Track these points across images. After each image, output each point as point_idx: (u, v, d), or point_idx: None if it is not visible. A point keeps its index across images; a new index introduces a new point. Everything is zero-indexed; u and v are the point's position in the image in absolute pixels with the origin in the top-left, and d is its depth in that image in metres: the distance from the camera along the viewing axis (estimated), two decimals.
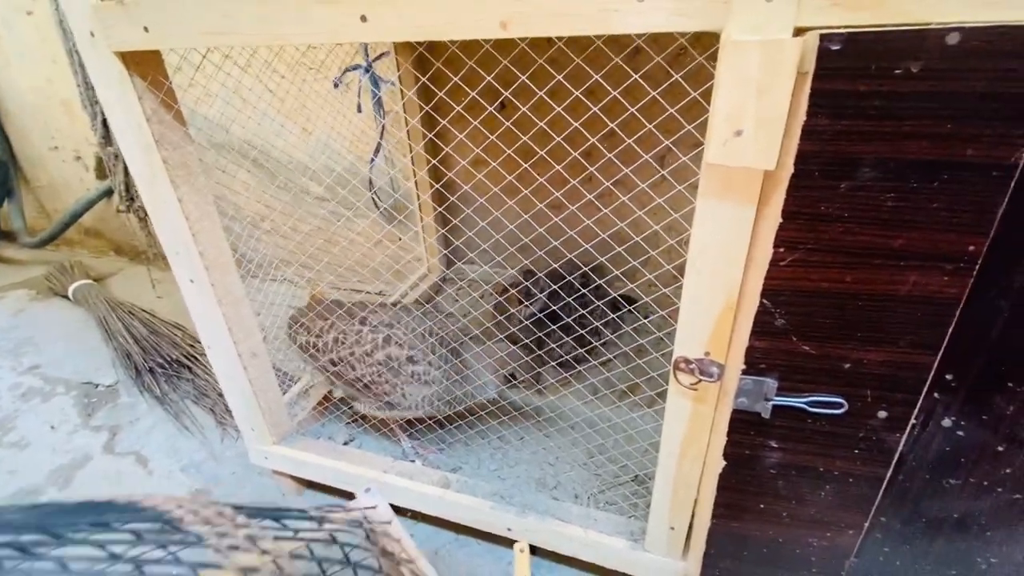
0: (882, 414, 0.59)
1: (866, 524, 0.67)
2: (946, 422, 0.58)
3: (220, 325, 0.98)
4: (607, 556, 0.92)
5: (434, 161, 1.69)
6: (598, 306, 1.24)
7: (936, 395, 0.57)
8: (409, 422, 1.20)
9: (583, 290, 1.03)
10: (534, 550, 1.07)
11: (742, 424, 0.64)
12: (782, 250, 0.53)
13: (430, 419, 1.11)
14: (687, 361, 0.66)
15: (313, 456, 1.12)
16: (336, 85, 1.51)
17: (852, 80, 0.45)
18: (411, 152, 1.70)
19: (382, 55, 1.54)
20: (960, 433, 0.58)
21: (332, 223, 1.75)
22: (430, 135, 1.67)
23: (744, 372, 0.61)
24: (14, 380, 1.71)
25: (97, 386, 1.67)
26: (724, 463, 0.67)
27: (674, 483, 0.78)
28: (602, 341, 1.40)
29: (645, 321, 1.45)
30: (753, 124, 0.49)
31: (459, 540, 1.13)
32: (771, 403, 0.61)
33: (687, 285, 0.62)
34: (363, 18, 0.60)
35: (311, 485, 1.26)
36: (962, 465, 0.60)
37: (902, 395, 0.58)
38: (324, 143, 1.83)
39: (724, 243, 0.58)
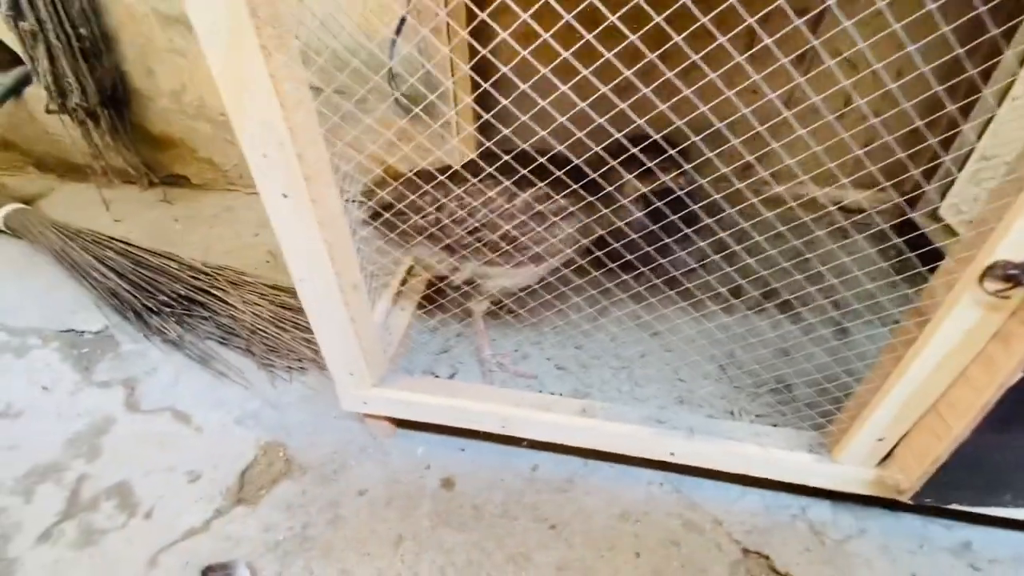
0: None
1: None
2: None
3: (320, 253, 0.75)
4: (787, 470, 0.88)
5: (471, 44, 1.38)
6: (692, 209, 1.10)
7: None
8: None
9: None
10: (671, 465, 1.02)
11: None
12: None
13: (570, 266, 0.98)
14: (1008, 264, 0.56)
15: (426, 396, 0.96)
16: None
17: None
18: (448, 31, 1.37)
19: None
20: None
21: (337, 116, 1.43)
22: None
23: None
24: None
25: (83, 333, 1.37)
26: (1021, 376, 0.60)
27: (911, 395, 0.71)
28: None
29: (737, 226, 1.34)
30: None
31: (588, 465, 1.05)
32: None
33: None
34: None
35: (402, 424, 1.12)
36: None
37: None
38: (324, 15, 1.44)
39: None
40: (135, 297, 1.36)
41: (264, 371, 1.26)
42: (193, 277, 1.43)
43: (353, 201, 1.05)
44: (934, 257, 1.12)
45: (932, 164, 1.39)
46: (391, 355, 1.04)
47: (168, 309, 1.36)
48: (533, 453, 1.07)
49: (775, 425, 0.92)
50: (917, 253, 1.20)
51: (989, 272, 0.57)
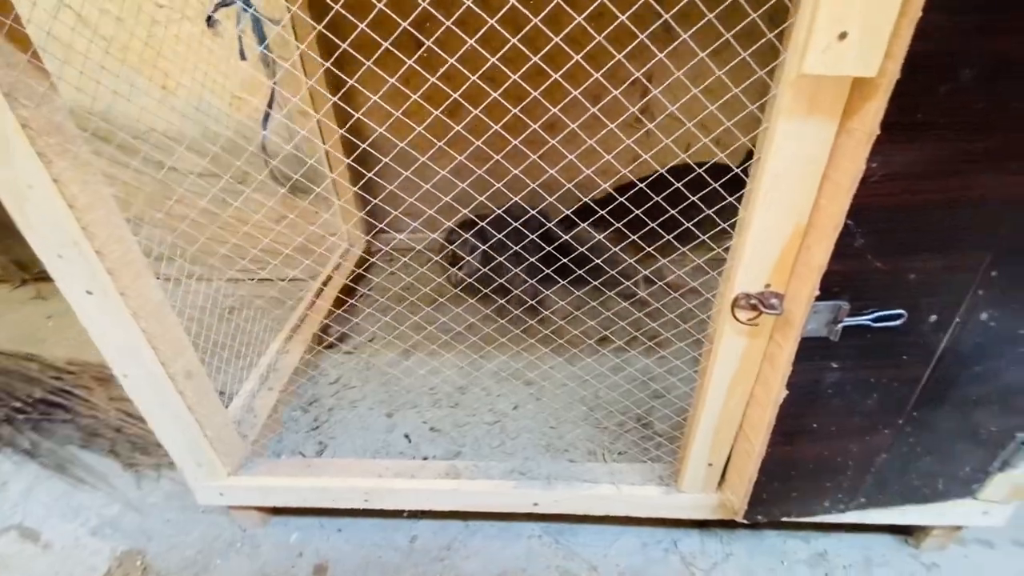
0: (933, 318, 0.62)
1: (900, 421, 0.72)
2: (983, 316, 0.62)
3: (140, 345, 0.74)
4: (642, 506, 0.90)
5: (345, 110, 1.46)
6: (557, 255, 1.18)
7: (980, 292, 0.60)
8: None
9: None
10: (551, 516, 1.03)
11: (809, 351, 0.63)
12: (875, 165, 0.50)
13: None
14: (747, 296, 0.63)
15: (286, 479, 0.94)
16: (210, 23, 1.20)
17: None
18: (313, 106, 1.44)
19: None
20: (992, 324, 0.63)
21: (219, 202, 1.44)
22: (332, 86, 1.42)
23: (818, 298, 0.59)
24: None
25: None
26: (786, 393, 0.67)
27: (718, 421, 0.77)
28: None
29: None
30: (860, 24, 0.45)
31: (469, 527, 1.04)
32: (841, 325, 0.61)
33: (754, 218, 0.58)
34: None
35: (277, 511, 1.07)
36: (987, 352, 0.66)
37: (952, 296, 0.61)
38: (196, 103, 1.48)
39: (802, 166, 0.54)
40: None
41: (129, 472, 1.18)
42: (55, 378, 1.34)
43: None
44: None
45: None
46: (253, 438, 1.01)
47: (22, 416, 1.26)
48: (413, 523, 1.05)
49: (643, 461, 0.96)
50: None
51: (736, 304, 0.64)
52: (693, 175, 0.77)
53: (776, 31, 0.54)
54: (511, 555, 0.99)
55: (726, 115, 0.70)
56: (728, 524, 1.02)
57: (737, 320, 0.65)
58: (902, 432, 0.73)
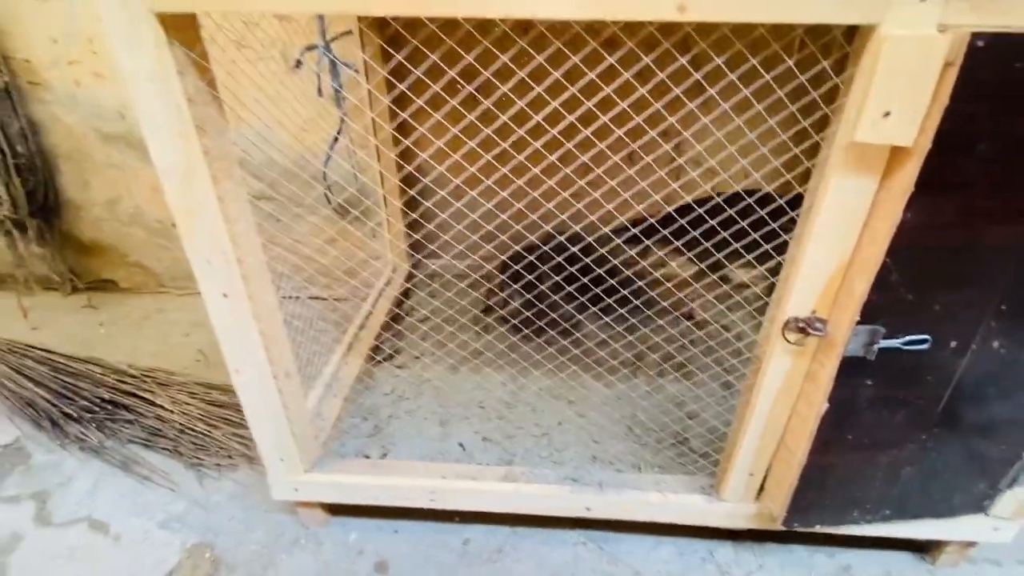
0: (953, 343, 0.73)
1: (924, 437, 0.82)
2: (995, 344, 0.74)
3: (256, 345, 0.84)
4: (686, 513, 0.99)
5: (405, 144, 1.59)
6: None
7: (992, 323, 0.72)
8: None
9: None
10: (593, 524, 1.11)
11: (848, 369, 0.74)
12: (910, 214, 0.63)
13: None
14: (796, 320, 0.75)
15: (356, 477, 1.01)
16: (298, 65, 1.34)
17: (992, 70, 0.55)
18: (376, 143, 1.58)
19: (344, 34, 1.41)
20: (1003, 351, 0.74)
21: (278, 223, 1.56)
22: (398, 121, 1.57)
23: (859, 322, 0.70)
24: None
25: None
26: (827, 406, 0.77)
27: (763, 431, 0.87)
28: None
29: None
30: (901, 107, 0.58)
31: (518, 533, 1.12)
32: (876, 347, 0.72)
33: (807, 253, 0.70)
34: None
35: (337, 511, 1.14)
36: (998, 377, 0.77)
37: (969, 326, 0.72)
38: (263, 133, 1.62)
39: (849, 212, 0.67)
40: (53, 405, 1.33)
41: (192, 471, 1.25)
42: (119, 381, 1.42)
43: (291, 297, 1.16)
44: None
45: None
46: (323, 440, 1.09)
47: (89, 415, 1.33)
48: (465, 527, 1.12)
49: (684, 474, 1.05)
50: None
51: (786, 327, 0.75)
52: (736, 208, 0.90)
53: (832, 104, 0.67)
54: (559, 559, 1.07)
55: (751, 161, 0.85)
56: (760, 537, 1.10)
57: (787, 340, 0.76)
58: (925, 447, 0.83)
